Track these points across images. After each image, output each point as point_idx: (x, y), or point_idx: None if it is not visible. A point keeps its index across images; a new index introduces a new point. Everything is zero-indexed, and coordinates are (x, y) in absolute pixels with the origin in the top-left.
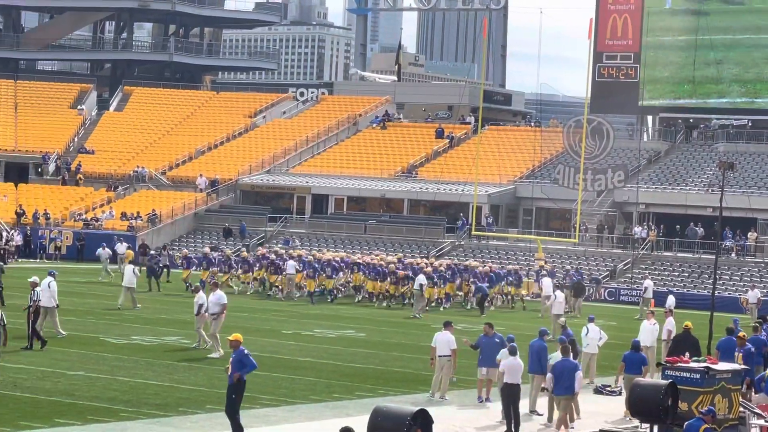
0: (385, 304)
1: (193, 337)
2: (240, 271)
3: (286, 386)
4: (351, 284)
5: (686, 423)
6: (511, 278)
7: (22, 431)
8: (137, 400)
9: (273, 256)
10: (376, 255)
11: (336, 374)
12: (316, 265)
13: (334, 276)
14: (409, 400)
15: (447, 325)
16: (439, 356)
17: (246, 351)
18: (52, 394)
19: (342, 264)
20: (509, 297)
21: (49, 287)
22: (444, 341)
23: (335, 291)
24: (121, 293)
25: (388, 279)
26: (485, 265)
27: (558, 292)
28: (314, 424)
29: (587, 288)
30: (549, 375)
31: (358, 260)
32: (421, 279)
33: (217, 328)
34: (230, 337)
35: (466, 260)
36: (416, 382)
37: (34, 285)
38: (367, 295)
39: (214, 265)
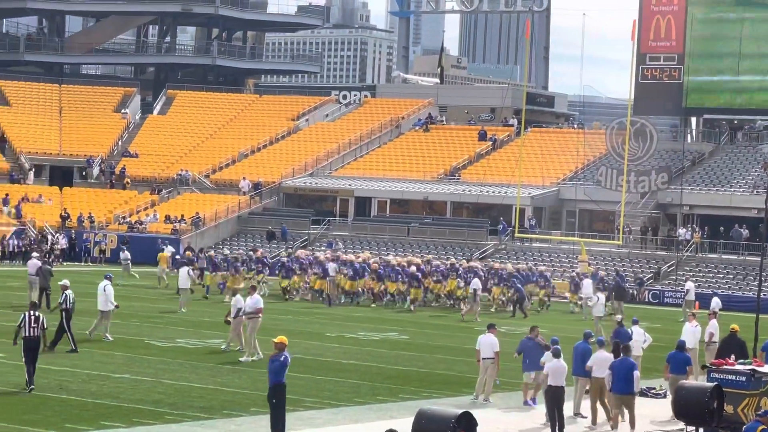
0: (406, 306)
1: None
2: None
3: (330, 389)
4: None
5: (744, 427)
6: (538, 279)
7: None
8: (182, 403)
9: (284, 259)
10: (402, 257)
11: (380, 377)
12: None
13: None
14: (452, 403)
15: (490, 327)
16: (483, 359)
17: (288, 359)
18: (98, 396)
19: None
20: (539, 299)
21: (105, 291)
22: (487, 343)
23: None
24: (180, 296)
25: (400, 279)
26: (504, 265)
27: (599, 294)
28: (358, 426)
29: (628, 290)
30: (608, 372)
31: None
32: (476, 284)
33: (253, 332)
34: (275, 339)
35: (496, 262)
36: (460, 385)
37: (65, 288)
38: (390, 298)
39: (220, 269)
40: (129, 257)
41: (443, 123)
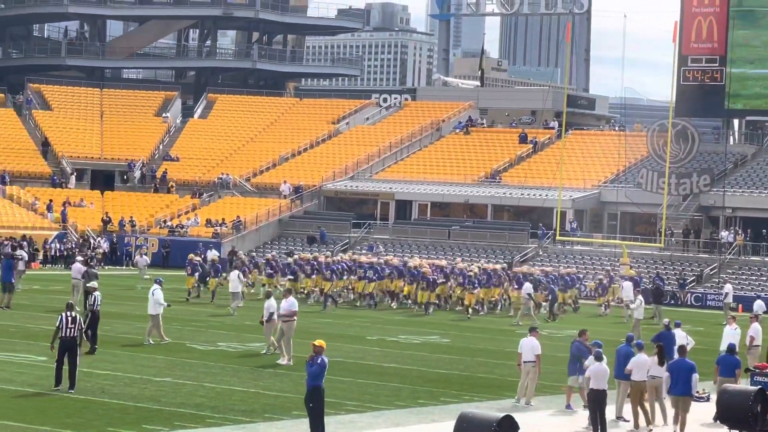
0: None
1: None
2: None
3: (371, 392)
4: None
5: None
6: (561, 282)
7: None
8: (223, 406)
9: (290, 260)
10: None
11: (421, 380)
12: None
13: (334, 279)
14: (494, 406)
15: (532, 330)
16: (524, 362)
17: (326, 362)
18: (139, 400)
19: (353, 266)
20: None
21: (153, 295)
22: (529, 347)
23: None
24: (231, 299)
25: (404, 280)
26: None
27: (640, 297)
28: (399, 429)
29: (666, 293)
30: (666, 374)
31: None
32: (528, 288)
33: (289, 335)
34: (315, 342)
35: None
36: (501, 388)
37: (93, 290)
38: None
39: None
40: (147, 262)
41: (484, 126)
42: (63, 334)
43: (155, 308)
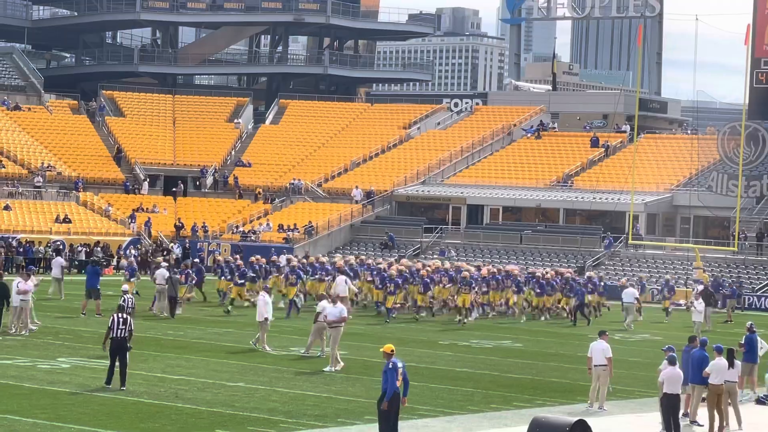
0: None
1: (346, 348)
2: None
3: (443, 397)
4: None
5: None
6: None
7: None
8: (296, 411)
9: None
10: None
11: (493, 385)
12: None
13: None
14: (567, 411)
15: (602, 334)
16: (595, 366)
17: (397, 366)
18: (213, 405)
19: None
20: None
21: (264, 302)
22: (599, 350)
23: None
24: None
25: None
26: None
27: (699, 301)
28: None
29: (717, 297)
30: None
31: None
32: (632, 293)
33: (335, 342)
34: (383, 349)
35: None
36: (574, 393)
37: (125, 292)
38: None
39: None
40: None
41: (555, 130)
42: (114, 335)
43: (260, 315)
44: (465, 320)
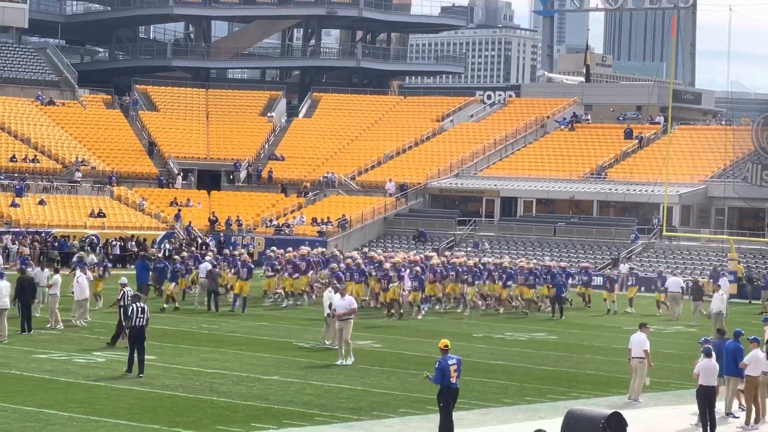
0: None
1: (381, 341)
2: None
3: (478, 389)
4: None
5: None
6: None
7: None
8: (331, 404)
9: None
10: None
11: (528, 377)
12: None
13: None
14: (602, 403)
15: (642, 326)
16: (632, 357)
17: (449, 362)
18: (248, 398)
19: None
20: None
21: (330, 297)
22: (637, 342)
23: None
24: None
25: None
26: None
27: (720, 293)
28: (507, 427)
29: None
30: None
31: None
32: (676, 283)
33: (347, 335)
34: (440, 344)
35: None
36: (609, 385)
37: (123, 286)
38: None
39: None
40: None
41: (588, 121)
42: (133, 324)
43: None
44: (396, 315)
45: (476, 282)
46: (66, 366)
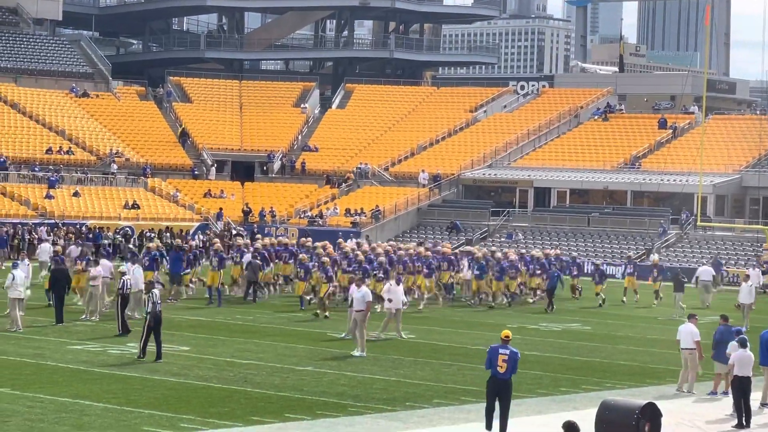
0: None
1: (414, 332)
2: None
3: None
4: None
5: None
6: (533, 267)
7: (254, 426)
8: (365, 395)
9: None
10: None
11: (562, 368)
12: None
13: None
14: (636, 394)
15: (691, 317)
16: (683, 349)
17: (498, 352)
18: (282, 389)
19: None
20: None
21: (390, 290)
22: (687, 333)
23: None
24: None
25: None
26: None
27: (748, 283)
28: (541, 417)
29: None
30: None
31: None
32: (710, 270)
33: (363, 325)
34: (502, 335)
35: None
36: (643, 375)
37: (123, 274)
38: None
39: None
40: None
41: (622, 112)
42: (150, 311)
43: (397, 304)
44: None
45: (433, 274)
46: (101, 357)
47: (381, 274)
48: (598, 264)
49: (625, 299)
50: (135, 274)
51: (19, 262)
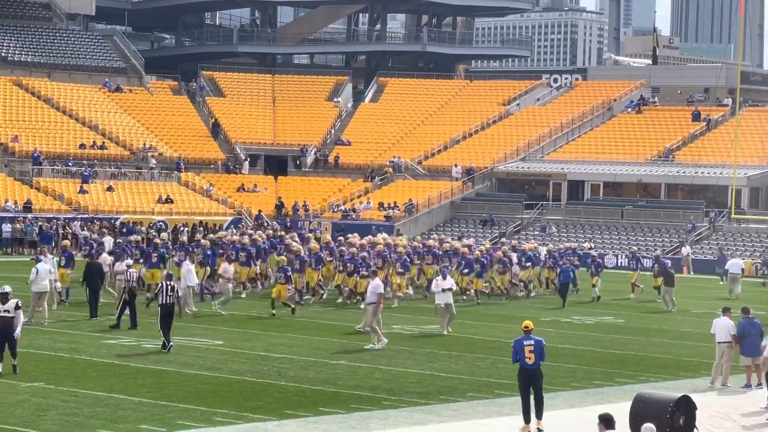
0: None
1: (453, 326)
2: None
3: (546, 373)
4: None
5: None
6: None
7: (288, 420)
8: (399, 389)
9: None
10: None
11: (596, 361)
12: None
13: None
14: (670, 387)
15: (726, 310)
16: (719, 342)
17: (523, 343)
18: (316, 383)
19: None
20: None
21: (438, 286)
22: (723, 327)
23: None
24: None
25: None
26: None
27: None
28: (575, 411)
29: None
30: None
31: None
32: (740, 263)
33: (373, 316)
34: (523, 325)
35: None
36: (678, 368)
37: (129, 267)
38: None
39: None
40: None
41: (656, 104)
42: (163, 302)
43: (446, 297)
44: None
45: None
46: (135, 351)
47: (365, 271)
48: (595, 256)
49: (632, 295)
50: (189, 269)
51: (41, 257)
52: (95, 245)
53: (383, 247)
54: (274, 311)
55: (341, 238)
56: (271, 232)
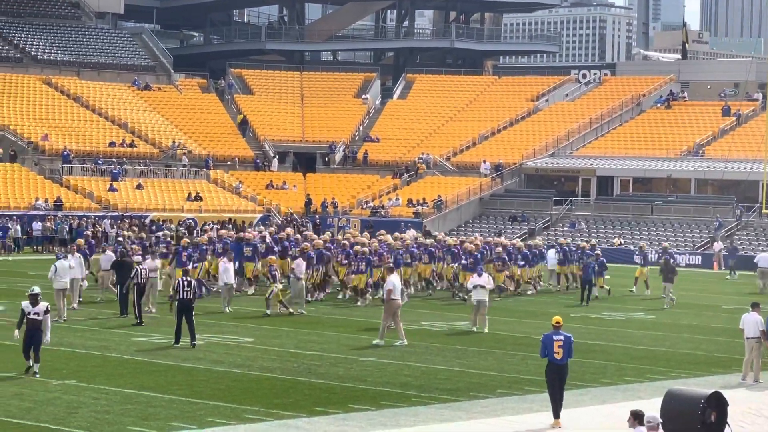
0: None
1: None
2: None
3: (575, 369)
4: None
5: None
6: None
7: (317, 416)
8: (428, 386)
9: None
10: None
11: (626, 357)
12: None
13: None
14: (701, 383)
15: (754, 306)
16: (748, 338)
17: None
18: (345, 380)
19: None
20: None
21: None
22: (752, 322)
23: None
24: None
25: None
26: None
27: None
28: (606, 407)
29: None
30: None
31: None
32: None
33: (389, 316)
34: (552, 321)
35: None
36: (708, 364)
37: (137, 264)
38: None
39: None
40: None
41: (685, 99)
42: (180, 297)
43: (480, 293)
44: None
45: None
46: (166, 349)
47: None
48: (599, 254)
49: (634, 289)
50: (228, 266)
51: (61, 255)
52: (130, 243)
53: (405, 243)
54: (268, 311)
55: (367, 233)
56: (273, 229)
